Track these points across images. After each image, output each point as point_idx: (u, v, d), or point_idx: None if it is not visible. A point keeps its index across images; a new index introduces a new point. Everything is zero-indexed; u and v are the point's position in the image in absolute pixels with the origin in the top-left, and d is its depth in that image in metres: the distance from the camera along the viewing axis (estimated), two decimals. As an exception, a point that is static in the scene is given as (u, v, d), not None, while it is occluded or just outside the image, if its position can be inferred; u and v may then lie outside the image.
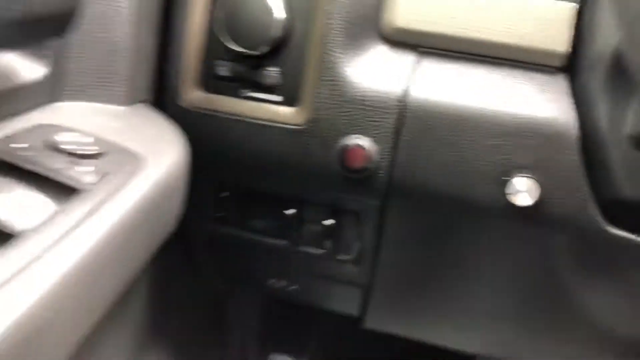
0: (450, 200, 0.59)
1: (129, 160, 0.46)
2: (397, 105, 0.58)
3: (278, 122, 0.60)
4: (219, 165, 0.65)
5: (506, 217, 0.58)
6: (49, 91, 0.52)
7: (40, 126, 0.47)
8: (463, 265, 0.66)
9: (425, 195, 0.60)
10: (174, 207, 0.53)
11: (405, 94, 0.58)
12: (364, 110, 0.58)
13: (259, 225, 0.69)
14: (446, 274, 0.69)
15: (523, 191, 0.56)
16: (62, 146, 0.44)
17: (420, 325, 0.77)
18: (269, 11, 0.57)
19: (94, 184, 0.41)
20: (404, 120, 0.58)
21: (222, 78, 0.61)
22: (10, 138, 0.43)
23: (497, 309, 0.70)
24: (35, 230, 0.35)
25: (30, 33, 0.44)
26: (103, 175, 0.43)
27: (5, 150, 0.41)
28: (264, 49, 0.58)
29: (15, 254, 0.33)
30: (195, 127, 0.62)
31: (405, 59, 0.59)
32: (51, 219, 0.36)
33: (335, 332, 1.09)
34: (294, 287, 0.78)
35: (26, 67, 0.49)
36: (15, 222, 0.34)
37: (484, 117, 0.56)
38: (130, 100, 0.57)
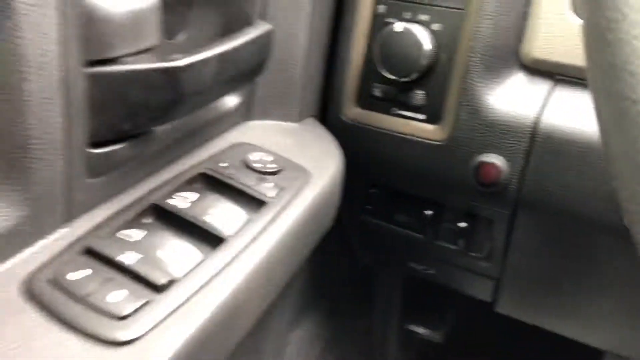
0: (572, 216, 0.65)
1: (300, 176, 0.60)
2: (530, 129, 0.64)
3: (422, 138, 0.70)
4: (370, 168, 0.77)
5: (627, 237, 0.63)
6: (242, 114, 0.66)
7: (236, 145, 0.62)
8: (585, 272, 0.72)
9: (551, 209, 0.66)
10: (333, 209, 0.66)
11: (538, 119, 0.64)
12: (499, 132, 0.66)
13: (402, 220, 0.80)
14: (571, 276, 0.75)
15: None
16: (253, 164, 0.58)
17: (549, 316, 0.84)
18: (419, 45, 0.66)
19: (274, 197, 0.55)
20: (535, 143, 0.65)
21: (377, 98, 0.72)
22: (216, 157, 0.58)
23: (621, 308, 0.74)
24: (235, 235, 0.49)
25: (241, 84, 0.58)
26: (280, 189, 0.56)
27: (215, 168, 0.56)
28: (413, 76, 0.68)
29: (225, 253, 0.47)
30: (352, 137, 0.74)
31: (541, 87, 0.66)
32: (245, 226, 0.51)
33: (470, 312, 1.17)
34: (431, 271, 0.88)
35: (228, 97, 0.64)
36: (223, 229, 0.49)
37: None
38: (301, 117, 0.71)
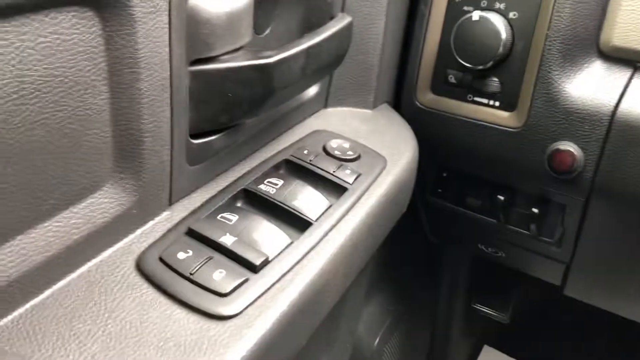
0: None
1: (376, 162, 0.62)
2: (608, 117, 0.65)
3: (496, 124, 0.71)
4: (443, 153, 0.79)
5: None
6: (320, 101, 0.69)
7: (316, 132, 0.65)
8: None
9: (625, 197, 0.67)
10: (407, 194, 0.68)
11: (617, 107, 0.64)
12: (576, 120, 0.66)
13: (473, 204, 0.82)
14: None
15: None
16: (332, 151, 0.61)
17: (617, 301, 0.84)
18: (496, 34, 0.67)
19: (352, 183, 0.58)
20: (612, 131, 0.65)
21: (452, 84, 0.74)
22: (298, 144, 0.62)
23: None
24: (319, 220, 0.53)
25: (324, 74, 0.61)
26: (358, 175, 0.59)
27: (298, 155, 0.59)
28: (489, 64, 0.69)
29: (312, 236, 0.51)
30: (426, 122, 0.76)
31: (620, 75, 0.65)
32: (328, 211, 0.54)
33: (536, 294, 1.18)
34: (500, 253, 0.90)
35: (308, 87, 0.67)
36: (310, 213, 0.52)
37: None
38: (375, 103, 0.73)
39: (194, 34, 0.45)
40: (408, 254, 1.04)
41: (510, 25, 0.68)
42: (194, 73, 0.47)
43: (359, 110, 0.72)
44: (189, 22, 0.44)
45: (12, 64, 0.34)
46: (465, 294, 1.16)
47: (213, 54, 0.47)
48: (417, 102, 0.76)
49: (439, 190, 0.84)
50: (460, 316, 1.20)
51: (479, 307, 1.16)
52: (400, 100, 0.77)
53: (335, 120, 0.69)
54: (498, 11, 0.68)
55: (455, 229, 0.90)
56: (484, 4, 0.69)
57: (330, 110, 0.71)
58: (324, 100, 0.70)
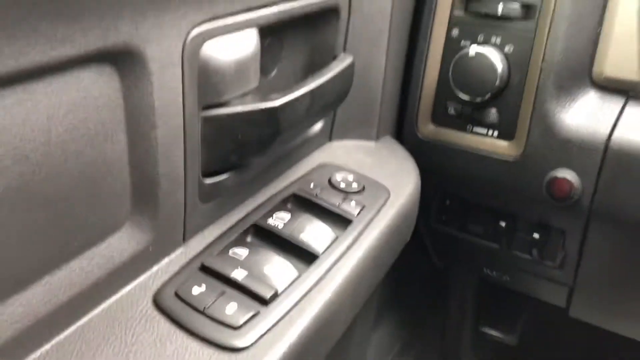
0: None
1: (380, 194, 0.65)
2: (603, 145, 0.67)
3: (495, 154, 0.74)
4: (445, 182, 0.81)
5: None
6: (325, 135, 0.72)
7: (322, 165, 0.68)
8: None
9: (623, 220, 0.69)
10: (411, 224, 0.71)
11: (611, 135, 0.67)
12: (572, 148, 0.69)
13: (476, 230, 0.84)
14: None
15: None
16: (337, 184, 0.64)
17: (623, 320, 0.86)
18: (492, 68, 0.70)
19: (357, 215, 0.61)
20: (608, 158, 0.67)
21: (451, 116, 0.76)
22: (305, 178, 0.65)
23: None
24: (326, 252, 0.55)
25: (328, 112, 0.64)
26: (362, 207, 0.62)
27: (304, 189, 0.62)
28: (487, 96, 0.72)
29: (319, 269, 0.53)
30: (428, 153, 0.78)
31: (613, 104, 0.68)
32: (334, 243, 0.56)
33: (543, 316, 1.19)
34: (505, 277, 0.92)
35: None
36: (315, 246, 0.55)
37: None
38: (379, 136, 0.76)
39: (205, 82, 0.48)
40: (416, 280, 1.06)
41: (507, 59, 0.71)
42: (206, 118, 0.50)
43: (362, 142, 0.75)
44: (200, 71, 0.47)
45: (41, 120, 0.37)
46: (473, 317, 1.18)
47: (223, 99, 0.50)
48: (418, 134, 0.79)
49: (443, 218, 0.87)
50: (469, 340, 1.21)
51: (487, 330, 1.17)
52: (403, 132, 0.80)
53: (340, 153, 0.72)
54: (494, 45, 0.71)
55: (460, 254, 0.93)
56: (480, 38, 0.72)
57: (335, 143, 0.74)
58: (329, 134, 0.73)
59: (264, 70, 0.60)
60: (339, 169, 0.68)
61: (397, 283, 0.97)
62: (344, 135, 0.75)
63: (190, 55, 0.45)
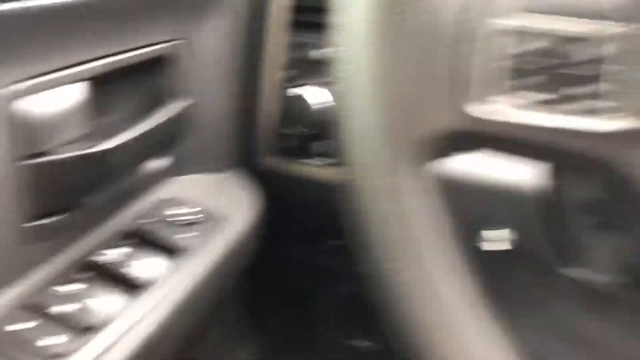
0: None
1: (216, 224, 0.71)
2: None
3: (332, 181, 0.82)
4: (292, 210, 0.89)
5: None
6: (172, 170, 0.77)
7: (163, 200, 0.73)
8: None
9: None
10: (249, 252, 0.77)
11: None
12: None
13: (323, 251, 0.92)
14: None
15: None
16: (174, 218, 0.69)
17: None
18: (308, 106, 0.79)
19: (189, 246, 0.66)
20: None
21: (291, 148, 0.84)
22: (142, 214, 0.69)
23: None
24: (152, 284, 0.60)
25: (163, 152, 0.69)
26: (196, 237, 0.67)
27: (139, 224, 0.67)
28: (314, 130, 0.80)
29: (143, 301, 0.58)
30: (272, 183, 0.85)
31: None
32: (163, 274, 0.61)
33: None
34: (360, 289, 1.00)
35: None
36: (141, 279, 0.59)
37: None
38: (225, 169, 0.82)
39: (22, 133, 0.52)
40: (277, 303, 1.12)
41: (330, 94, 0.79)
42: (28, 166, 0.53)
43: (208, 176, 0.81)
44: (13, 124, 0.51)
45: None
46: (341, 333, 1.24)
47: (43, 148, 0.54)
48: (263, 165, 0.86)
49: (292, 243, 0.94)
50: (341, 357, 1.27)
51: (355, 343, 1.24)
52: (249, 164, 0.87)
53: (184, 188, 0.77)
54: (318, 84, 0.80)
55: (315, 277, 1.00)
56: (304, 79, 0.80)
57: (181, 178, 0.78)
58: (175, 170, 0.78)
59: (100, 112, 0.64)
60: (178, 202, 0.73)
61: (257, 309, 1.03)
62: (192, 170, 0.80)
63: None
